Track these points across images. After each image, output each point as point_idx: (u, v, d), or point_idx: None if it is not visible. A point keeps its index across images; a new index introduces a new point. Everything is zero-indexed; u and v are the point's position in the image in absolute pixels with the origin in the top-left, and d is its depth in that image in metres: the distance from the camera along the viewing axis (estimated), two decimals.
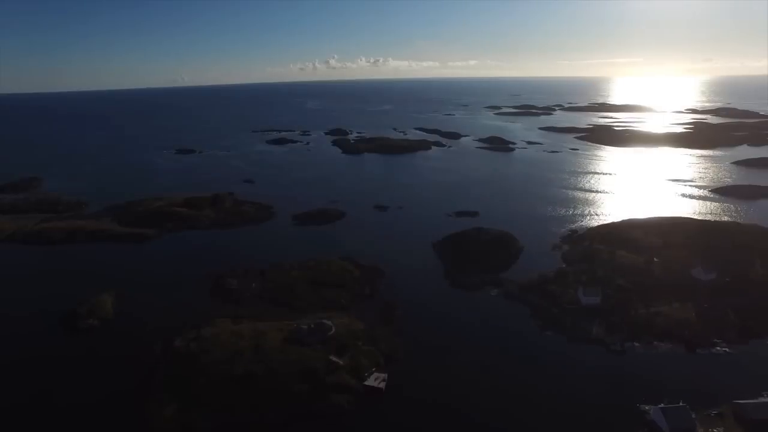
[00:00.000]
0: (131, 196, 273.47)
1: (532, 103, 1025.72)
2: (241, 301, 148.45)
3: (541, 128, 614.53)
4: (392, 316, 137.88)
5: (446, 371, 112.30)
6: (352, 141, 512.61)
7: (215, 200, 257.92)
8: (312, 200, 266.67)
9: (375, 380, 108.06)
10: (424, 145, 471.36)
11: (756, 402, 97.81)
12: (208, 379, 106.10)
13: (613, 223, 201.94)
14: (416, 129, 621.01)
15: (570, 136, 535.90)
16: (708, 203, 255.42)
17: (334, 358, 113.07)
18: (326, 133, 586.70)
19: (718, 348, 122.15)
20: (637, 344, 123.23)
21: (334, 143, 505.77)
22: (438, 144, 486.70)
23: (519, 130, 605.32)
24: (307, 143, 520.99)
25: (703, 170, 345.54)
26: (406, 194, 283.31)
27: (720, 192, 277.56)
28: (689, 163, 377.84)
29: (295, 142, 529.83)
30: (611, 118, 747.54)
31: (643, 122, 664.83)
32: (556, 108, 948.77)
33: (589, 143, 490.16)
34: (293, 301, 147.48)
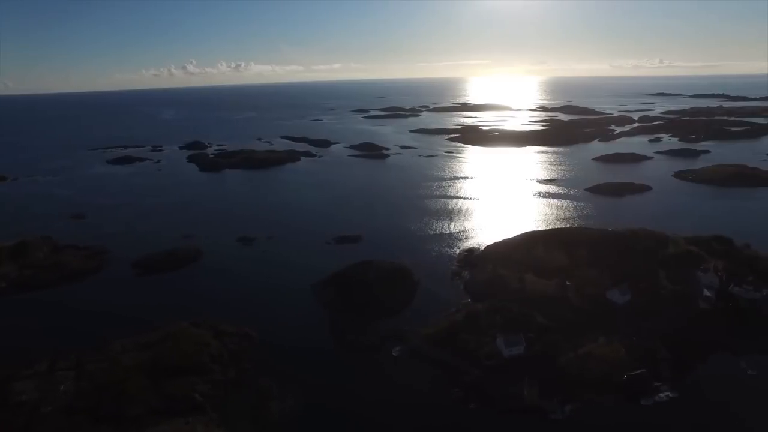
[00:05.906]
0: None
1: (398, 105, 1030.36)
2: (38, 421, 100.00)
3: (412, 131, 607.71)
4: (268, 413, 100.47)
5: None
6: (212, 156, 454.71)
7: (20, 250, 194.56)
8: (160, 237, 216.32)
9: None
10: (293, 157, 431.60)
11: None
12: None
13: (510, 240, 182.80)
14: (283, 138, 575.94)
15: (441, 138, 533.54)
16: (588, 205, 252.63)
17: None
18: (181, 148, 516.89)
19: (661, 394, 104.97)
20: (577, 404, 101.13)
21: (190, 159, 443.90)
22: (308, 154, 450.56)
23: (390, 133, 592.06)
24: (158, 161, 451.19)
25: (572, 169, 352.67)
26: (275, 219, 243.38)
27: (594, 191, 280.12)
28: (556, 161, 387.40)
29: (144, 160, 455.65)
30: (476, 117, 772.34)
31: (506, 120, 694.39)
32: (423, 109, 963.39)
33: (461, 144, 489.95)
34: (123, 408, 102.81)
